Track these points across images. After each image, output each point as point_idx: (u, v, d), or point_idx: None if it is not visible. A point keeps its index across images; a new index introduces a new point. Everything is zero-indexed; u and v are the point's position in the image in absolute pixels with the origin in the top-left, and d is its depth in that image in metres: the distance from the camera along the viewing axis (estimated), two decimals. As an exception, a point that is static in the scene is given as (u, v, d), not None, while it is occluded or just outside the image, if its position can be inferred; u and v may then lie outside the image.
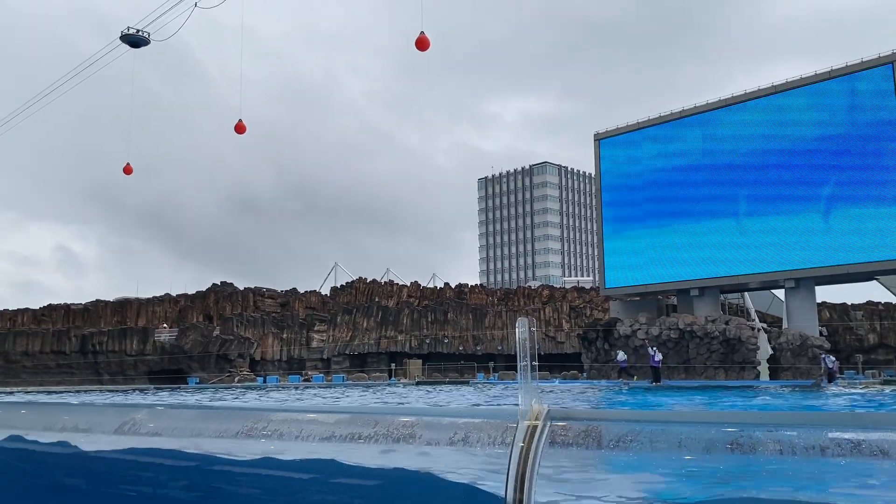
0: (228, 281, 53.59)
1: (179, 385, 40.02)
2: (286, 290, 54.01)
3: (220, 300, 51.81)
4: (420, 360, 47.94)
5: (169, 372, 44.27)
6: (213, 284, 53.46)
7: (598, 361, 40.48)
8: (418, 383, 40.09)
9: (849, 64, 35.31)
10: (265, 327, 50.64)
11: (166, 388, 36.69)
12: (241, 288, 52.76)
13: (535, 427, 1.89)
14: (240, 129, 24.13)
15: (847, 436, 1.90)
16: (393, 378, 44.49)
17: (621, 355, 34.74)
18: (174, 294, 55.05)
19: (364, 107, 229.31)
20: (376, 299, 52.70)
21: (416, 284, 56.00)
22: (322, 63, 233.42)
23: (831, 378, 32.68)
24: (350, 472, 2.25)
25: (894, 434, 1.87)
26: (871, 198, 33.73)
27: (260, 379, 42.82)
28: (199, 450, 2.80)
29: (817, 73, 36.28)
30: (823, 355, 33.64)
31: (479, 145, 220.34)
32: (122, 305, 53.97)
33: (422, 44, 19.40)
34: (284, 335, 50.98)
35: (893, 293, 41.07)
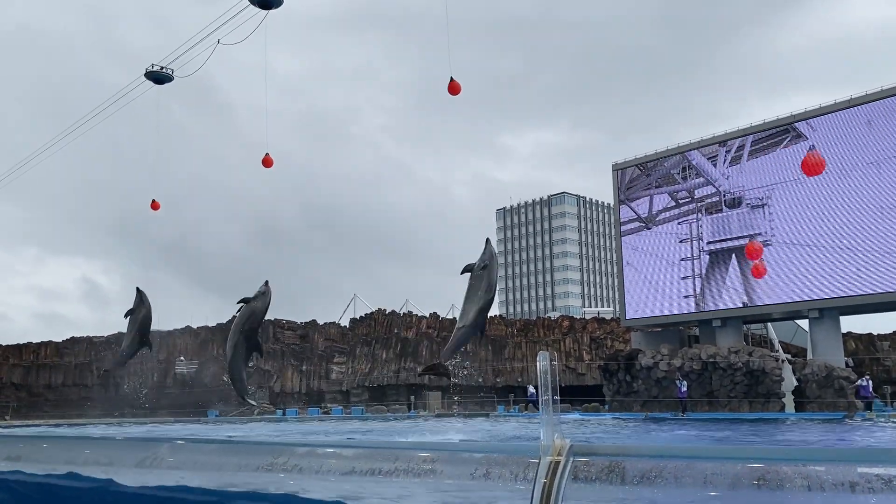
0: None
1: (200, 418, 40.04)
2: (306, 322, 54.13)
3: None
4: (439, 393, 47.63)
5: (189, 405, 44.34)
6: (234, 316, 53.77)
7: (619, 393, 39.94)
8: (438, 415, 39.78)
9: (868, 93, 35.19)
10: (285, 359, 50.68)
11: (186, 421, 36.73)
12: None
13: (557, 462, 1.87)
14: (267, 162, 24.44)
15: (875, 471, 1.86)
16: (413, 410, 44.19)
17: (684, 385, 34.43)
18: (195, 326, 55.35)
19: (382, 141, 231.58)
20: (395, 331, 52.62)
21: (434, 315, 55.88)
22: (340, 98, 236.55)
23: (869, 405, 31.99)
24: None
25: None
26: (890, 222, 33.32)
27: (279, 412, 42.75)
28: (219, 485, 2.80)
29: (837, 101, 36.15)
30: (860, 382, 32.97)
31: (496, 177, 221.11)
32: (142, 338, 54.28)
33: (454, 89, 20.10)
34: (304, 367, 50.96)
35: (921, 323, 40.29)
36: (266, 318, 51.19)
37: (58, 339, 56.28)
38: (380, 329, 53.27)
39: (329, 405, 45.90)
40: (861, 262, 34.25)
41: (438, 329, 54.02)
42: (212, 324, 54.46)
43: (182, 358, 52.02)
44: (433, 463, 2.23)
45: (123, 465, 3.23)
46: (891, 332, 46.52)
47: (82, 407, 47.85)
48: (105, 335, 55.75)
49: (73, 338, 56.09)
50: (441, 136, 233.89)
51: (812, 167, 20.97)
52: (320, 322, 54.69)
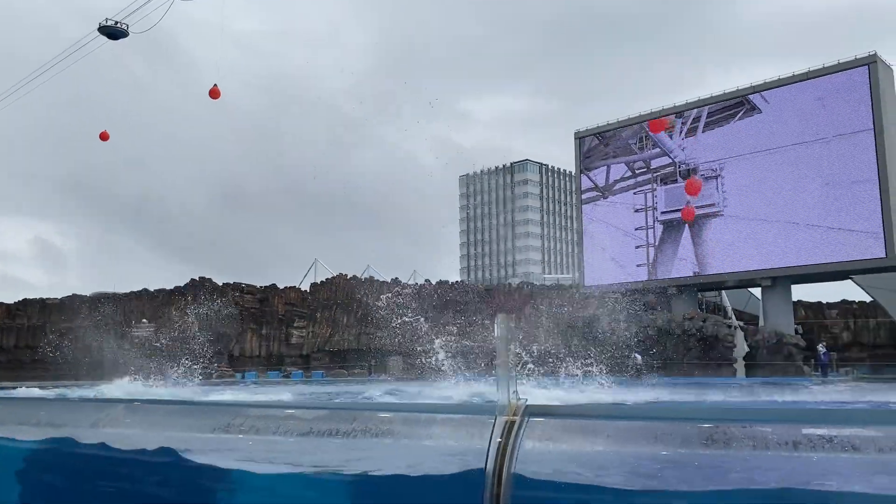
0: (207, 276, 53.18)
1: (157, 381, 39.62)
2: (265, 286, 53.64)
3: (198, 296, 51.43)
4: (400, 357, 47.84)
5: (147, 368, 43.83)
6: (192, 280, 53.03)
7: (576, 358, 40.64)
8: (398, 379, 39.99)
9: (826, 65, 35.77)
10: (244, 323, 50.32)
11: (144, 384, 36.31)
12: (220, 283, 52.37)
13: (513, 422, 1.90)
14: (214, 94, 23.91)
15: (820, 431, 1.93)
16: (373, 374, 44.37)
17: (638, 358, 35.09)
18: (152, 289, 54.52)
19: (345, 104, 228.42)
20: (357, 295, 52.55)
21: (396, 281, 55.88)
22: (302, 60, 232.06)
23: (825, 372, 33.19)
24: (327, 467, 2.24)
25: (864, 430, 1.90)
26: (846, 197, 34.20)
27: (238, 375, 42.57)
28: (175, 445, 2.78)
29: (795, 73, 36.70)
30: (819, 349, 34.14)
31: (460, 142, 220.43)
32: (100, 301, 53.37)
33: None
34: (263, 331, 50.69)
35: (867, 292, 41.67)
36: (225, 281, 50.30)
37: (9, 300, 54.99)
38: (341, 294, 53.13)
39: (289, 369, 45.84)
40: (811, 235, 35.15)
41: (400, 295, 54.06)
42: (170, 287, 53.72)
43: (144, 321, 51.30)
44: (390, 423, 2.24)
45: (78, 425, 3.18)
46: (839, 300, 48.02)
47: (35, 370, 46.99)
48: (59, 297, 54.61)
49: (25, 299, 54.83)
50: (404, 101, 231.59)
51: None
52: (280, 286, 54.30)
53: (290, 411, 2.81)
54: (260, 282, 54.51)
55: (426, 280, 57.81)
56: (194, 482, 2.66)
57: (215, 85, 23.51)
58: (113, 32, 25.34)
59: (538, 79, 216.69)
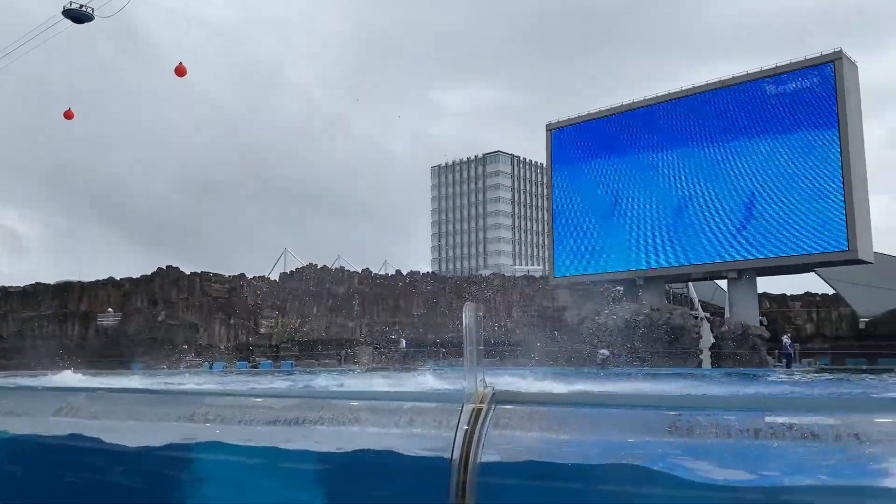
0: (175, 265, 52.47)
1: (122, 370, 39.13)
2: (234, 276, 53.13)
3: (165, 285, 50.75)
4: (370, 347, 47.80)
5: (111, 357, 43.26)
6: (159, 268, 52.32)
7: (546, 348, 40.99)
8: (368, 370, 39.96)
9: (793, 61, 36.28)
10: (212, 313, 49.83)
11: (109, 374, 35.83)
12: (188, 272, 51.75)
13: (479, 409, 1.90)
14: (180, 71, 23.46)
15: (780, 419, 1.96)
16: (343, 365, 44.25)
17: (604, 352, 35.41)
18: (118, 278, 53.71)
19: (318, 92, 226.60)
20: (327, 286, 52.32)
21: (367, 271, 55.73)
22: (274, 47, 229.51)
23: (790, 363, 33.90)
24: (293, 456, 2.23)
25: (825, 418, 1.94)
26: (810, 192, 34.82)
27: (206, 364, 42.18)
28: (139, 434, 2.75)
29: (763, 69, 37.18)
30: (785, 340, 34.82)
31: (432, 133, 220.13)
32: (64, 289, 52.43)
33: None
34: (232, 321, 50.25)
35: (830, 285, 42.57)
36: (193, 270, 49.70)
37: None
38: (311, 284, 52.86)
39: (258, 359, 45.54)
40: (776, 228, 35.74)
41: (371, 285, 53.95)
42: (136, 275, 52.94)
43: (109, 310, 50.52)
44: (358, 412, 2.24)
45: (39, 414, 3.13)
46: (802, 293, 49.00)
47: (-3, 359, 46.04)
48: (21, 285, 53.51)
49: (-15, 288, 53.65)
50: (376, 90, 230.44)
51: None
52: (249, 276, 53.84)
53: (256, 400, 2.80)
54: (229, 271, 54.03)
55: (397, 270, 57.75)
56: (159, 472, 2.63)
57: (181, 63, 23.02)
58: (78, 16, 24.76)
59: (511, 71, 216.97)
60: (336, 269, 56.12)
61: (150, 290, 50.69)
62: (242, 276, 53.32)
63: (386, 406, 2.26)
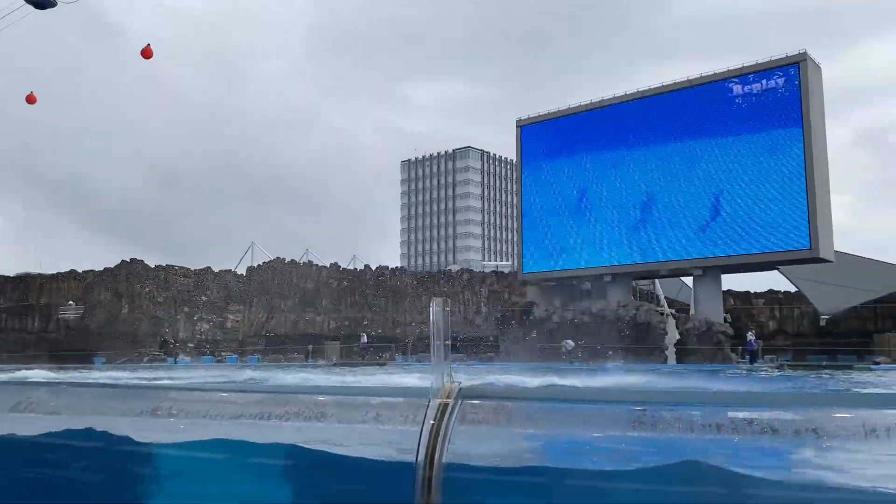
0: (139, 258, 51.61)
1: (85, 364, 38.45)
2: (200, 269, 52.48)
3: (129, 277, 49.96)
4: (338, 342, 47.63)
5: (73, 351, 42.46)
6: (123, 261, 51.45)
7: (514, 344, 41.21)
8: (336, 364, 39.82)
9: (759, 62, 36.83)
10: (177, 307, 49.19)
11: (70, 368, 35.18)
12: (153, 265, 50.99)
13: (446, 405, 1.91)
14: (146, 53, 22.89)
15: (741, 414, 2.00)
16: (310, 359, 44.03)
17: (569, 343, 35.60)
18: (80, 270, 52.71)
19: (287, 85, 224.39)
20: (294, 280, 51.94)
21: (335, 266, 55.44)
22: (243, 38, 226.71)
23: (754, 358, 34.51)
24: (258, 451, 2.21)
25: (784, 413, 1.98)
26: (774, 191, 35.42)
27: (171, 359, 41.64)
28: (102, 429, 2.70)
29: (729, 69, 37.69)
30: (749, 336, 35.43)
31: (402, 127, 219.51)
32: (24, 281, 51.31)
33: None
34: (197, 315, 49.67)
35: (793, 282, 43.39)
36: (158, 263, 48.91)
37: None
38: (278, 278, 52.43)
39: (224, 353, 45.07)
40: (741, 226, 36.30)
41: (339, 280, 53.70)
42: (99, 268, 52.01)
43: (70, 303, 49.57)
44: (324, 407, 2.23)
45: (-3, 410, 3.06)
46: (766, 290, 49.89)
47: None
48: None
49: (-58, 280, 52.25)
50: (347, 83, 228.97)
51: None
52: (216, 269, 53.23)
53: (222, 394, 2.77)
54: (194, 264, 53.34)
55: (366, 265, 57.57)
56: (121, 466, 2.59)
57: (148, 45, 22.45)
58: (40, 2, 24.15)
59: (481, 66, 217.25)
60: (304, 263, 55.74)
61: (114, 283, 49.86)
62: (209, 269, 52.70)
63: (352, 401, 2.25)
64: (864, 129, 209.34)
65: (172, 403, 2.59)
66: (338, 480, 2.14)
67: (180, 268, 51.86)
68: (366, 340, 43.63)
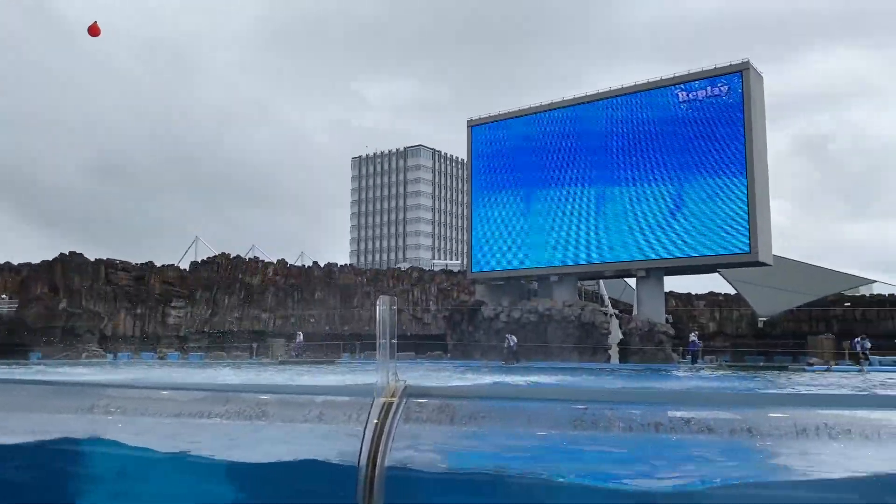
0: (78, 251, 50.01)
1: (20, 360, 37.14)
2: (142, 263, 51.15)
3: (67, 271, 48.36)
4: (283, 340, 47.04)
5: (7, 346, 40.95)
6: (61, 254, 49.77)
7: (462, 342, 41.39)
8: (281, 362, 39.34)
9: (704, 69, 37.73)
10: (117, 302, 47.88)
11: (3, 364, 33.91)
12: (92, 259, 49.48)
13: (390, 403, 1.90)
14: (93, 31, 21.93)
15: (679, 413, 2.04)
16: (255, 357, 43.39)
17: (513, 338, 35.72)
18: (15, 263, 50.84)
19: (238, 77, 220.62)
20: (240, 276, 51.09)
21: (282, 262, 54.73)
22: (193, 27, 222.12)
23: (695, 358, 35.35)
24: (197, 451, 2.17)
25: (720, 412, 2.03)
26: (716, 196, 36.35)
27: (110, 355, 40.51)
28: (35, 427, 2.61)
29: (676, 75, 38.50)
30: (692, 337, 36.27)
31: (354, 123, 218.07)
32: (-47, 274, 49.22)
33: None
34: (138, 311, 48.44)
35: (733, 285, 44.65)
36: (98, 257, 47.55)
37: None
38: (223, 274, 51.51)
39: (165, 350, 44.05)
40: (684, 230, 37.13)
41: (286, 276, 53.05)
42: (36, 260, 50.23)
43: (4, 296, 47.76)
44: (265, 406, 2.19)
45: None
46: (706, 292, 51.25)
47: None
48: None
49: None
50: (299, 78, 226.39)
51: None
52: (158, 264, 51.99)
53: (162, 392, 2.70)
54: (136, 259, 51.99)
55: (314, 262, 57.01)
56: (57, 467, 2.51)
57: (95, 22, 21.55)
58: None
59: (434, 65, 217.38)
60: (250, 258, 54.91)
61: (51, 277, 48.23)
62: (150, 263, 51.44)
63: (295, 400, 2.22)
64: (803, 137, 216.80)
65: (110, 401, 2.52)
66: (279, 480, 2.11)
67: (121, 262, 50.49)
68: (301, 339, 42.62)
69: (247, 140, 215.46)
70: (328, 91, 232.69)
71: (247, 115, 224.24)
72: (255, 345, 45.98)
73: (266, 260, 55.49)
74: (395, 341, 2.12)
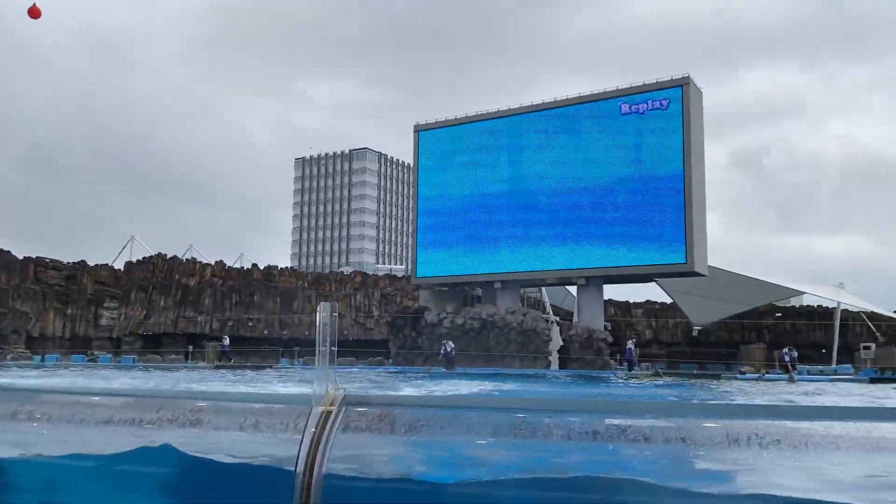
0: (6, 248, 48.01)
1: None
2: (74, 262, 49.46)
3: (-8, 269, 46.41)
4: (220, 343, 46.05)
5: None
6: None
7: (404, 348, 41.29)
8: (217, 367, 38.58)
9: (646, 83, 38.65)
10: (46, 301, 46.16)
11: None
12: (21, 257, 47.60)
13: (329, 412, 1.87)
14: (34, 13, 21.01)
15: (617, 422, 2.08)
16: (190, 361, 42.39)
17: (450, 344, 35.61)
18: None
19: (178, 73, 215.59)
20: (176, 277, 49.86)
21: (221, 264, 53.63)
22: (132, 20, 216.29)
23: (632, 365, 36.06)
24: (128, 459, 2.10)
25: (657, 421, 2.08)
26: (654, 207, 37.24)
27: (37, 357, 39.00)
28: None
29: (619, 87, 39.36)
30: (629, 345, 36.94)
31: (297, 123, 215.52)
32: None
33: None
34: (69, 311, 46.80)
35: (669, 294, 45.78)
36: (27, 255, 45.92)
37: None
38: (159, 274, 50.19)
39: (96, 352, 42.65)
40: (622, 240, 37.87)
41: (224, 278, 52.02)
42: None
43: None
44: (200, 413, 2.14)
45: None
46: (644, 301, 52.43)
47: None
48: None
49: None
50: (240, 74, 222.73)
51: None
52: (91, 263, 50.34)
53: (92, 398, 2.61)
54: (68, 257, 50.23)
55: (253, 264, 56.08)
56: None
57: (35, 4, 20.67)
58: None
59: (381, 67, 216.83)
60: (187, 259, 53.64)
61: (-26, 275, 46.18)
62: (83, 263, 49.78)
63: (231, 407, 2.18)
64: (739, 151, 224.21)
65: (34, 407, 2.42)
66: (215, 490, 2.06)
67: (51, 260, 48.72)
68: (227, 343, 41.58)
69: (187, 137, 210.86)
70: (271, 89, 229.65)
71: (187, 111, 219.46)
72: (190, 348, 44.92)
73: (204, 261, 54.32)
74: (335, 349, 2.09)
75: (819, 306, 46.43)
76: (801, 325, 44.58)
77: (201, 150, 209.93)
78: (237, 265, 57.67)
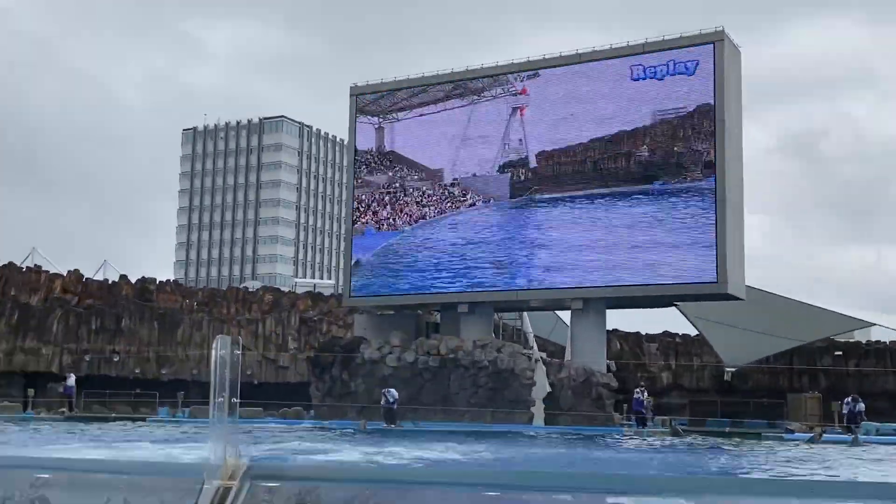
0: None
1: None
2: None
3: None
4: (74, 386, 45.37)
5: None
6: None
7: (331, 395, 41.02)
8: (68, 418, 37.84)
9: (667, 37, 38.78)
10: None
11: None
12: None
13: (228, 488, 1.85)
14: None
15: (622, 502, 2.10)
16: (30, 410, 41.59)
17: (393, 394, 35.56)
18: None
19: (12, 7, 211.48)
20: (12, 292, 49.06)
21: (76, 274, 52.95)
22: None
23: (643, 421, 36.28)
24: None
25: (677, 501, 2.10)
26: (674, 207, 37.57)
27: None
28: None
29: (630, 44, 39.49)
30: (635, 394, 37.21)
31: (185, 80, 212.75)
32: None
33: None
34: None
35: (693, 324, 46.16)
36: None
37: None
38: (-12, 288, 49.26)
39: None
40: (633, 251, 38.01)
41: (81, 295, 51.23)
42: None
43: None
44: (44, 488, 2.10)
45: None
46: (660, 332, 52.81)
47: None
48: None
49: None
50: (101, 12, 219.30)
51: None
52: None
53: None
54: None
55: (122, 275, 55.36)
56: None
57: None
58: None
59: (305, 6, 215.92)
60: (28, 268, 52.78)
61: None
62: None
63: (89, 480, 2.14)
64: (788, 134, 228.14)
65: None
66: None
67: None
68: (72, 384, 41.39)
69: (23, 97, 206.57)
70: (145, 30, 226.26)
71: (22, 60, 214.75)
72: (31, 392, 44.09)
73: (52, 271, 53.49)
74: (236, 400, 2.08)
75: (893, 342, 47.34)
76: (869, 368, 45.43)
77: (45, 115, 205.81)
78: (99, 276, 56.86)
